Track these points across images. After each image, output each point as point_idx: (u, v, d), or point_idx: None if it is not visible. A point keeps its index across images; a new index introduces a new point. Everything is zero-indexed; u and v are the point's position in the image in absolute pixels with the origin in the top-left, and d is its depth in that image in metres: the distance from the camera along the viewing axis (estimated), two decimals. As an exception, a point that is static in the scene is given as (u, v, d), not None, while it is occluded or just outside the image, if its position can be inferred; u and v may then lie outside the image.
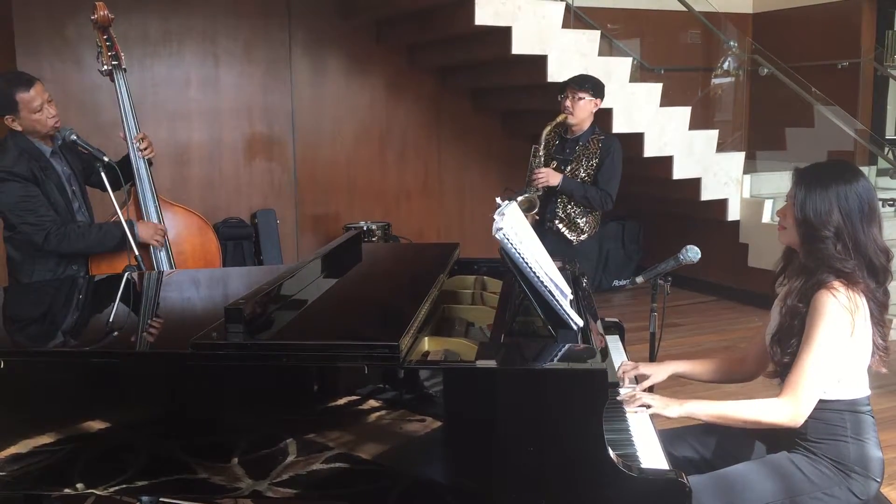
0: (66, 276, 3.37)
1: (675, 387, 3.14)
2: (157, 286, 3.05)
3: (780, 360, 2.19)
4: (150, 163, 3.60)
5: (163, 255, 3.53)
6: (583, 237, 4.38)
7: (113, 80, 3.55)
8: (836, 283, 2.09)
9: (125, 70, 3.56)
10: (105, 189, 3.39)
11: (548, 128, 4.40)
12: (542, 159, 4.40)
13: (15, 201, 3.28)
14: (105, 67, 3.53)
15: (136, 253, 3.34)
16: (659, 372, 2.49)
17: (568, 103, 4.31)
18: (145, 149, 3.55)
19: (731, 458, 2.29)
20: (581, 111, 4.30)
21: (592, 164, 4.33)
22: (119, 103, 3.55)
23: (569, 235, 4.35)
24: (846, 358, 2.12)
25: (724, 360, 2.58)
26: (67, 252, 3.35)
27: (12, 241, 3.41)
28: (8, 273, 3.51)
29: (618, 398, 2.21)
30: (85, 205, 3.56)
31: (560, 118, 4.32)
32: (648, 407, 2.17)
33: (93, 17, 3.48)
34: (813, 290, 2.12)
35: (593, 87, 4.34)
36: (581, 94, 4.28)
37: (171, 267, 3.54)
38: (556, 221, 4.35)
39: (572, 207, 4.34)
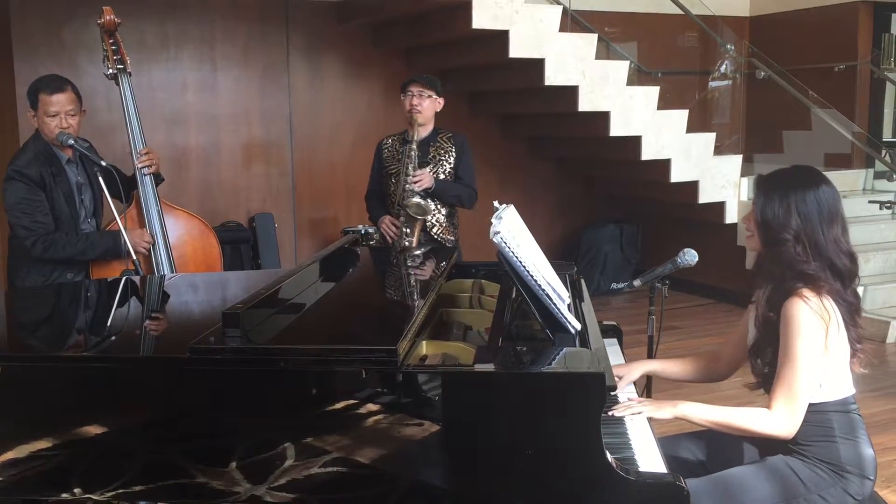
0: (59, 281, 3.39)
1: (672, 389, 3.14)
2: (156, 290, 3.05)
3: (759, 371, 2.22)
4: (157, 179, 3.61)
5: (163, 258, 3.53)
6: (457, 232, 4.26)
7: (118, 84, 3.58)
8: (805, 291, 2.10)
9: (130, 74, 3.59)
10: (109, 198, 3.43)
11: (391, 139, 4.23)
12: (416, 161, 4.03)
13: (15, 202, 3.34)
14: (110, 71, 3.56)
15: (134, 257, 3.35)
16: (630, 372, 2.50)
17: (415, 101, 4.02)
18: (147, 165, 3.54)
19: (727, 461, 2.30)
20: (428, 109, 4.06)
21: (450, 162, 4.14)
22: (123, 107, 3.57)
23: (450, 236, 4.18)
24: (824, 363, 2.13)
25: (698, 359, 2.58)
26: (54, 259, 3.38)
27: (11, 243, 3.45)
28: (7, 274, 3.54)
29: (608, 413, 2.18)
30: (94, 216, 3.58)
31: (414, 121, 4.01)
32: (640, 414, 2.17)
33: (99, 22, 3.52)
34: (782, 298, 2.13)
35: (438, 85, 4.12)
36: (429, 92, 4.05)
37: (171, 270, 3.54)
38: (436, 229, 4.15)
39: (439, 209, 4.14)
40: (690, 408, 2.16)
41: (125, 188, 3.51)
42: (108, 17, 3.50)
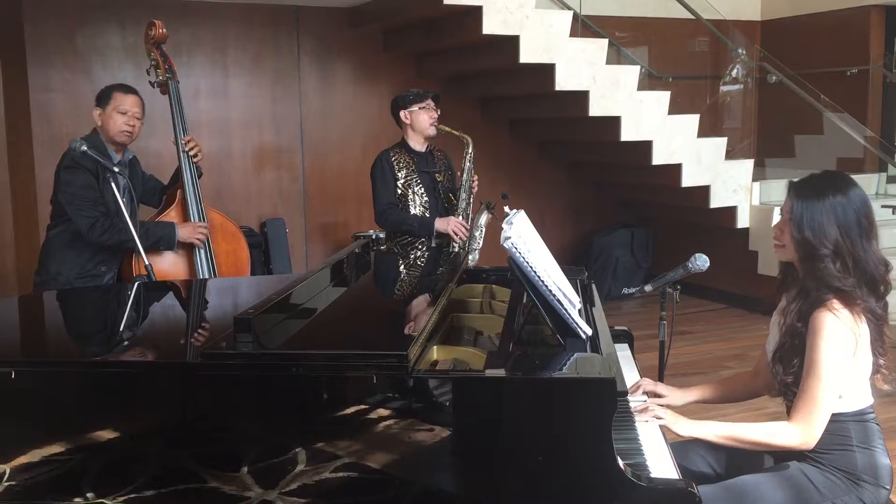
0: (91, 273, 3.51)
1: (689, 405, 3.12)
2: (166, 296, 3.06)
3: (782, 379, 2.19)
4: (199, 173, 3.78)
5: (203, 260, 3.60)
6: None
7: (164, 93, 3.81)
8: (836, 303, 2.07)
9: (178, 82, 3.83)
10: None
11: (394, 152, 4.32)
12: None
13: (78, 188, 3.44)
14: (160, 79, 3.79)
15: (147, 262, 3.37)
16: (677, 397, 2.49)
17: (434, 115, 4.30)
18: (192, 150, 3.74)
19: (740, 468, 2.28)
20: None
21: (450, 171, 4.44)
22: (172, 112, 3.78)
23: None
24: (847, 376, 2.11)
25: (739, 380, 2.59)
26: (108, 244, 3.48)
27: (53, 231, 3.58)
28: (39, 261, 3.64)
29: (631, 408, 2.21)
30: (133, 219, 3.64)
31: (437, 132, 4.30)
32: (660, 419, 2.17)
33: (150, 33, 3.78)
34: (812, 308, 2.10)
35: None
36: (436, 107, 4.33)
37: (210, 272, 3.59)
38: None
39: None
40: (707, 427, 2.15)
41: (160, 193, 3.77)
42: (159, 31, 3.77)
